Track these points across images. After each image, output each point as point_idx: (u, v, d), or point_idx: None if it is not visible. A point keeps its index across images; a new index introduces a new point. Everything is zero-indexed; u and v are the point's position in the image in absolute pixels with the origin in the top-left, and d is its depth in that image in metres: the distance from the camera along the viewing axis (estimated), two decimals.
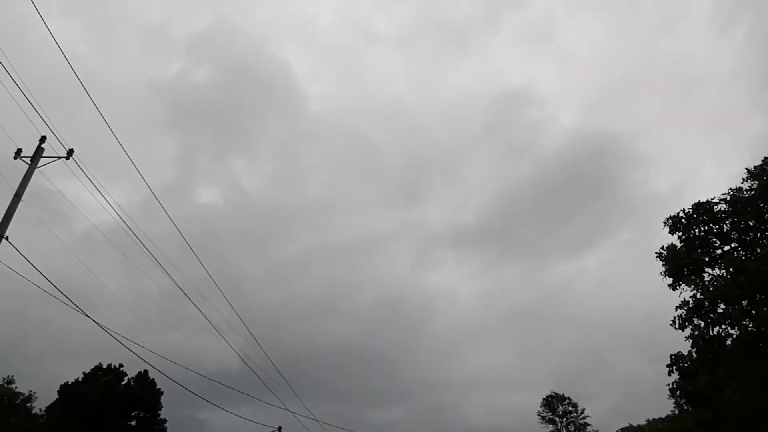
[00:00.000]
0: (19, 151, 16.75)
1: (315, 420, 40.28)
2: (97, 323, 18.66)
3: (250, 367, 30.29)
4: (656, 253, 31.12)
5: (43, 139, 16.54)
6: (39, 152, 16.57)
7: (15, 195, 16.20)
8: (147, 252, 19.54)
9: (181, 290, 21.18)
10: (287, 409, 35.76)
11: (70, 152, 16.67)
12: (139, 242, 19.15)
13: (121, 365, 48.79)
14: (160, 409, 49.09)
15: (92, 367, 48.21)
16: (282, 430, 42.44)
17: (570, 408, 74.61)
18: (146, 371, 48.73)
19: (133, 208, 19.67)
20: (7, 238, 16.01)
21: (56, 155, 16.67)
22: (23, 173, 16.52)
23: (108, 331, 18.96)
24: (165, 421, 49.27)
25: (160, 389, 49.09)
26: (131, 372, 48.99)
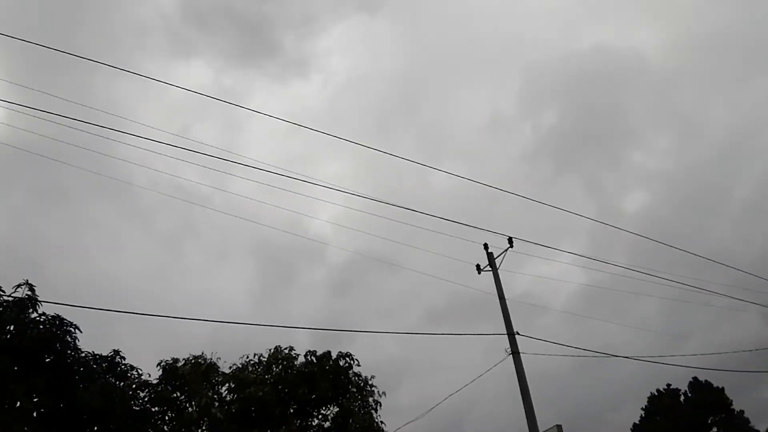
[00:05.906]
0: (478, 266, 19.71)
1: None
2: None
3: None
4: None
5: (486, 246, 19.16)
6: (491, 256, 19.13)
7: (500, 298, 18.92)
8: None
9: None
10: None
11: (510, 240, 18.77)
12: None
13: None
14: None
15: None
16: None
17: None
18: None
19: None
20: (517, 333, 18.61)
21: (502, 250, 18.95)
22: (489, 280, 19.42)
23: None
24: None
25: None
26: None
